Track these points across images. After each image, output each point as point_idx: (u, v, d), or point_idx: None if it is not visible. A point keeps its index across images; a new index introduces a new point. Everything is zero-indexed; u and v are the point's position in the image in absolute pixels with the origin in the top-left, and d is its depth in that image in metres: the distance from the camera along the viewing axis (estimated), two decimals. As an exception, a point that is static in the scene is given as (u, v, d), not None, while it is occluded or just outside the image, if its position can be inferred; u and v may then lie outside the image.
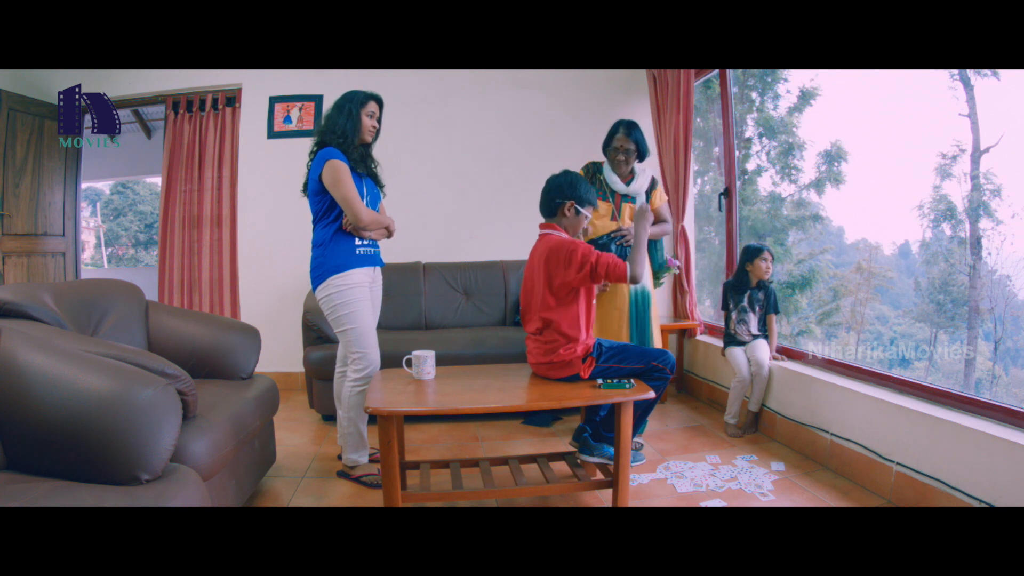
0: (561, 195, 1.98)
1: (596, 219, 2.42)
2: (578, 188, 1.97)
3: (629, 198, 2.45)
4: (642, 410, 1.96)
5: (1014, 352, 2.94)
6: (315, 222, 2.11)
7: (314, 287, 2.10)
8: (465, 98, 3.69)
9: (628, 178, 2.44)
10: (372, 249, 2.15)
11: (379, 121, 2.15)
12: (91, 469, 1.16)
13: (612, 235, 2.38)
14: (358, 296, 2.07)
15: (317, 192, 2.05)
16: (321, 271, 2.06)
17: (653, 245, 2.54)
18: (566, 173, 2.03)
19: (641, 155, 2.43)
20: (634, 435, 2.23)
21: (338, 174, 1.97)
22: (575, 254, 1.85)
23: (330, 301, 2.06)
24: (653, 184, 2.48)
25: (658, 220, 2.46)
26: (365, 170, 2.13)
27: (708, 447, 2.50)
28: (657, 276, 2.54)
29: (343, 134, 2.06)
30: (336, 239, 2.06)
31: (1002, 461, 1.61)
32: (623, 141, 2.39)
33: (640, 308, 2.40)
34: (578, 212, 1.98)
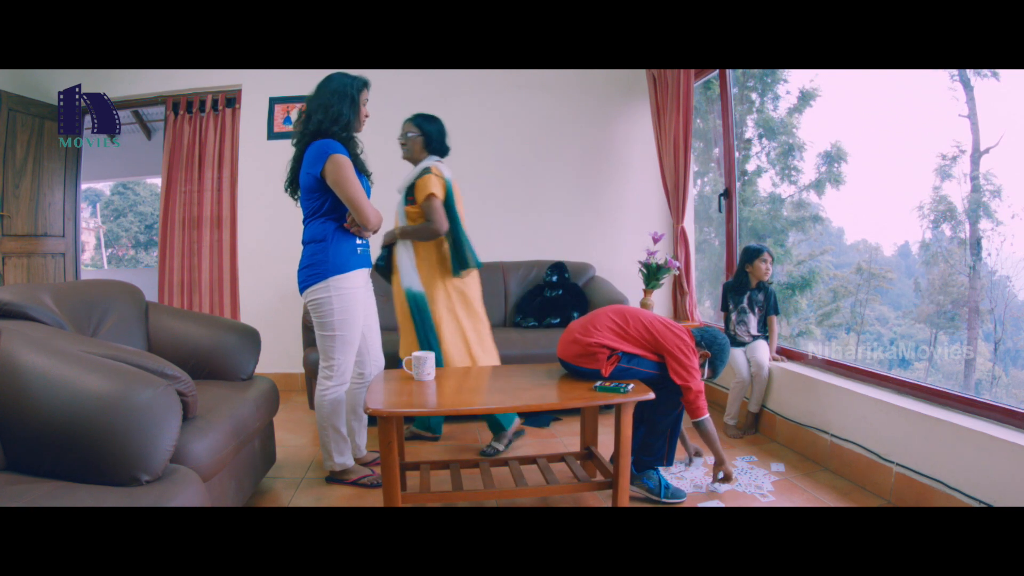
0: None
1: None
2: None
3: (402, 194, 2.29)
4: (670, 428, 1.94)
5: (1014, 353, 2.94)
6: (311, 217, 1.95)
7: (307, 285, 1.95)
8: (465, 98, 3.69)
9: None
10: (366, 248, 2.06)
11: None
12: (91, 470, 1.16)
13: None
14: (355, 302, 1.97)
15: (314, 189, 1.89)
16: (320, 269, 1.92)
17: (459, 240, 2.24)
18: None
19: (430, 144, 2.25)
20: (661, 464, 1.99)
21: (343, 171, 1.83)
22: None
23: (327, 303, 1.93)
24: (420, 174, 2.20)
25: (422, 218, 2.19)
26: (359, 165, 1.97)
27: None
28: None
29: (347, 125, 1.89)
30: (338, 236, 1.93)
31: (1002, 461, 1.61)
32: (404, 127, 2.26)
33: (418, 311, 2.24)
34: None
